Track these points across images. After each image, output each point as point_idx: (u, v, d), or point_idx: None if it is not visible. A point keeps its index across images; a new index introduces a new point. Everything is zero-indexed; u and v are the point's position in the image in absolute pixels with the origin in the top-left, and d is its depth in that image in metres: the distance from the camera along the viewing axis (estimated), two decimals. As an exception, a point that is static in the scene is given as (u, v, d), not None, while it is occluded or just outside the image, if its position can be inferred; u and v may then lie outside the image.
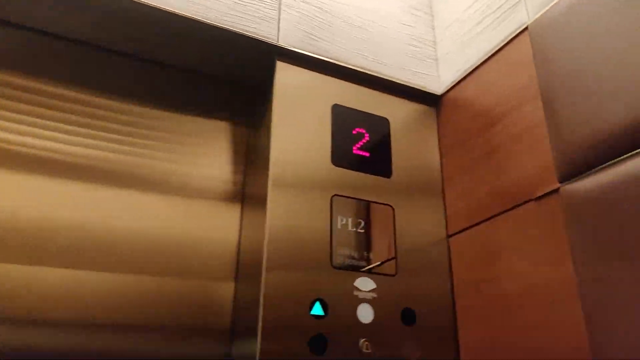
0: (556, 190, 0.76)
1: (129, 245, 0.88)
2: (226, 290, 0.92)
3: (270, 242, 0.80)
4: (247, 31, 0.89)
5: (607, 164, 0.69)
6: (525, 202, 0.82)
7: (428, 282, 0.91)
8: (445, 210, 0.99)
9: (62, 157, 0.88)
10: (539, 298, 0.76)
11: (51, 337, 0.79)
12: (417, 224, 0.94)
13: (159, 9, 0.84)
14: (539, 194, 0.79)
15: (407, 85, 1.03)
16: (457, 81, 1.02)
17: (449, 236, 0.97)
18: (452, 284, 0.94)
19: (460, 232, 0.94)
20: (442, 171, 1.02)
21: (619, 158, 0.67)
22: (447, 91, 1.04)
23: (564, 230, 0.73)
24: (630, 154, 0.66)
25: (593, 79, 0.73)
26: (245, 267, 0.90)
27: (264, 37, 0.91)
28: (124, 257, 0.87)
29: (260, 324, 0.76)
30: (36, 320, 0.79)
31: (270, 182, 0.84)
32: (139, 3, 0.83)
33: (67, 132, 0.90)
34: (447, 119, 1.03)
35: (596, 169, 0.70)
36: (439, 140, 1.04)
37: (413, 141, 1.01)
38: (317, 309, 0.80)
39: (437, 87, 1.06)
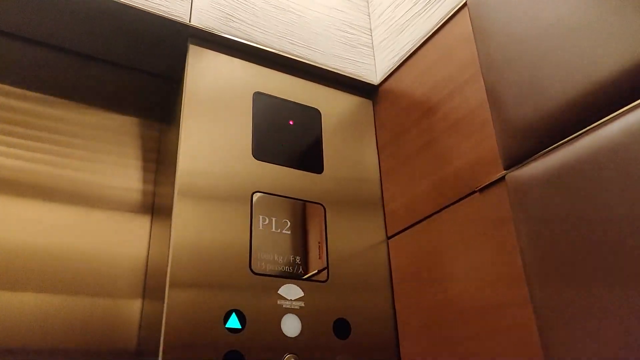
0: (502, 179, 0.67)
1: (26, 261, 0.75)
2: (133, 308, 0.80)
3: (175, 257, 0.68)
4: (152, 8, 0.78)
5: (554, 145, 0.61)
6: (469, 194, 0.73)
7: (365, 290, 0.81)
8: (383, 209, 0.89)
9: None
10: (486, 302, 0.67)
11: None
12: (353, 224, 0.84)
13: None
14: (483, 184, 0.70)
15: (340, 73, 0.93)
16: (393, 69, 0.93)
17: (388, 238, 0.87)
18: (392, 291, 0.84)
19: (400, 232, 0.85)
20: (380, 167, 0.92)
21: (567, 139, 0.59)
22: (384, 81, 0.96)
23: (511, 222, 0.65)
24: (578, 133, 0.58)
25: (535, 52, 0.65)
26: (152, 283, 0.78)
27: (174, 15, 0.80)
28: (21, 274, 0.74)
29: (161, 343, 0.63)
30: None
31: (176, 192, 0.72)
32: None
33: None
34: (385, 110, 0.94)
35: (543, 151, 0.62)
36: (377, 133, 0.95)
37: (348, 134, 0.91)
38: (233, 322, 0.68)
39: (373, 76, 0.97)
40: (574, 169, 0.58)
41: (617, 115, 0.54)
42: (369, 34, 1.01)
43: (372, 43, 1.01)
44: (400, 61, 0.91)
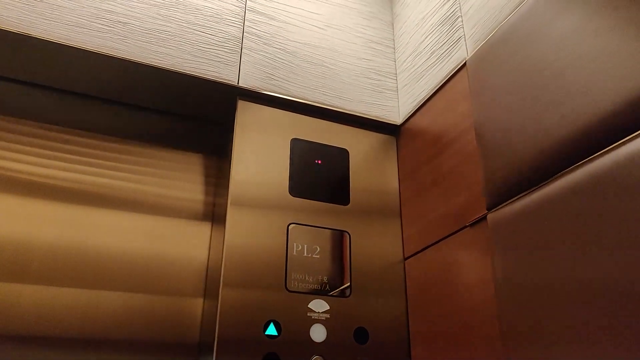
0: (484, 217, 0.82)
1: (105, 263, 0.98)
2: (196, 306, 1.01)
3: (228, 258, 0.89)
4: (208, 75, 0.99)
5: (523, 193, 0.74)
6: (463, 227, 0.88)
7: (383, 303, 0.98)
8: (402, 234, 1.05)
9: (46, 181, 0.99)
10: (476, 318, 0.81)
11: (27, 351, 0.88)
12: (374, 248, 1.01)
13: (126, 60, 0.94)
14: (472, 220, 0.85)
15: (367, 117, 1.10)
16: (412, 112, 1.08)
17: (405, 258, 1.03)
18: (407, 304, 1.00)
19: (414, 254, 1.00)
20: (400, 196, 1.08)
21: (533, 188, 0.73)
22: (405, 121, 1.11)
23: (488, 254, 0.79)
24: (540, 184, 0.72)
25: (513, 111, 0.79)
26: (210, 283, 0.99)
27: (225, 80, 1.00)
28: (101, 274, 0.97)
29: (216, 340, 0.84)
30: (14, 335, 0.88)
31: (230, 200, 0.93)
32: (105, 55, 0.93)
33: (51, 159, 1.01)
34: (406, 147, 1.10)
35: (515, 197, 0.76)
36: (399, 167, 1.11)
37: (372, 169, 1.08)
38: (271, 330, 0.87)
39: (397, 117, 1.13)
40: (533, 213, 0.72)
41: (568, 170, 0.67)
42: (394, 78, 1.17)
43: (397, 86, 1.16)
44: (418, 106, 1.06)
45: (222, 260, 0.89)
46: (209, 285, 1.00)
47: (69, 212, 0.99)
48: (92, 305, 0.95)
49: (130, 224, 1.02)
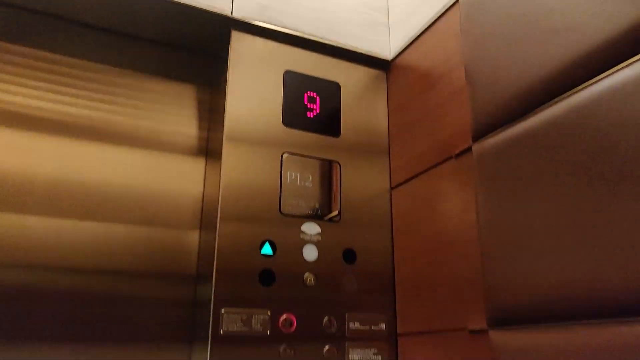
0: (469, 149, 0.88)
1: (104, 196, 1.02)
2: (192, 238, 1.07)
3: (225, 194, 0.93)
4: (202, 5, 1.00)
5: (506, 125, 0.80)
6: (449, 158, 0.94)
7: (370, 228, 1.05)
8: (389, 165, 1.11)
9: (43, 114, 1.01)
10: (454, 238, 0.89)
11: (29, 278, 0.93)
12: (363, 177, 1.07)
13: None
14: (457, 151, 0.91)
15: (359, 52, 1.13)
16: (404, 48, 1.12)
17: (392, 188, 1.09)
18: (392, 229, 1.07)
19: (401, 184, 1.07)
20: (389, 130, 1.13)
21: (515, 120, 0.78)
22: (396, 57, 1.14)
23: (472, 184, 0.86)
24: (523, 116, 0.77)
25: (502, 48, 0.83)
26: (207, 216, 1.04)
27: (219, 9, 1.01)
28: (99, 207, 1.01)
29: (215, 267, 0.89)
30: (20, 263, 0.93)
31: (225, 136, 0.97)
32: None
33: (48, 91, 1.02)
34: (396, 82, 1.14)
35: (499, 129, 0.82)
36: (388, 101, 1.15)
37: (363, 103, 1.12)
38: (267, 249, 0.93)
39: (387, 52, 1.16)
40: (516, 144, 0.78)
41: (550, 103, 0.73)
42: (386, 13, 1.19)
43: (389, 22, 1.18)
44: (409, 42, 1.10)
45: (219, 195, 0.94)
46: (205, 217, 1.05)
47: (65, 145, 1.01)
48: (93, 235, 0.99)
49: (126, 158, 1.05)
